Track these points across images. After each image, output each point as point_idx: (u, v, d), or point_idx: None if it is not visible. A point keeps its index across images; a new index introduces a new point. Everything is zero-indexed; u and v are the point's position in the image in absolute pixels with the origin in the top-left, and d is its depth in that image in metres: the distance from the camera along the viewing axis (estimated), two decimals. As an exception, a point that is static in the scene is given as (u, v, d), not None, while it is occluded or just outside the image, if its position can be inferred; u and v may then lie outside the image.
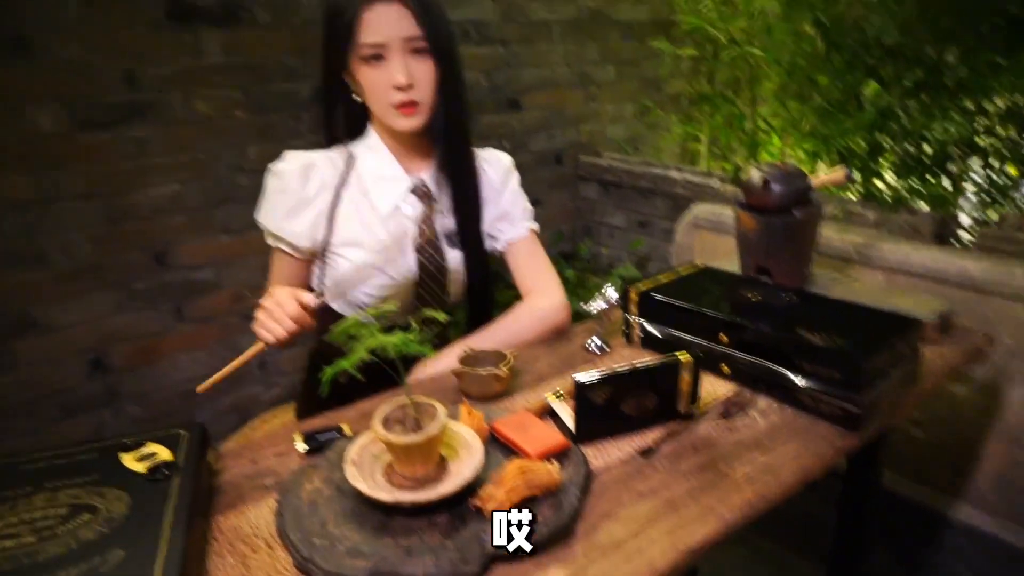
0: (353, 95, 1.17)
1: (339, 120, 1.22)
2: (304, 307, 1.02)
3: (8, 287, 1.61)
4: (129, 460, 0.81)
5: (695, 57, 2.76)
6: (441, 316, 0.78)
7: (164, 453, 0.83)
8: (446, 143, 1.20)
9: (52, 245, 1.64)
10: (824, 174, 1.34)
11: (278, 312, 1.01)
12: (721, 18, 2.23)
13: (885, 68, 1.95)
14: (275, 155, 1.88)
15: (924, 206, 1.97)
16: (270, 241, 1.20)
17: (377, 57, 1.09)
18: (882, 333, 1.01)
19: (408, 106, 1.11)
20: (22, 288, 1.63)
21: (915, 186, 1.97)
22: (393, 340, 0.71)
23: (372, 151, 1.21)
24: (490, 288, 1.36)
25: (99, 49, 1.60)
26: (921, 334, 1.10)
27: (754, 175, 1.31)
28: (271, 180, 1.18)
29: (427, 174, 1.23)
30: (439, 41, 1.11)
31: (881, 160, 2.03)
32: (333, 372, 0.73)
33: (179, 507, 0.72)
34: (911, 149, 1.96)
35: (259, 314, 1.03)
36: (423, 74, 1.11)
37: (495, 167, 1.30)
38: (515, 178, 1.33)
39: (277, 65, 1.88)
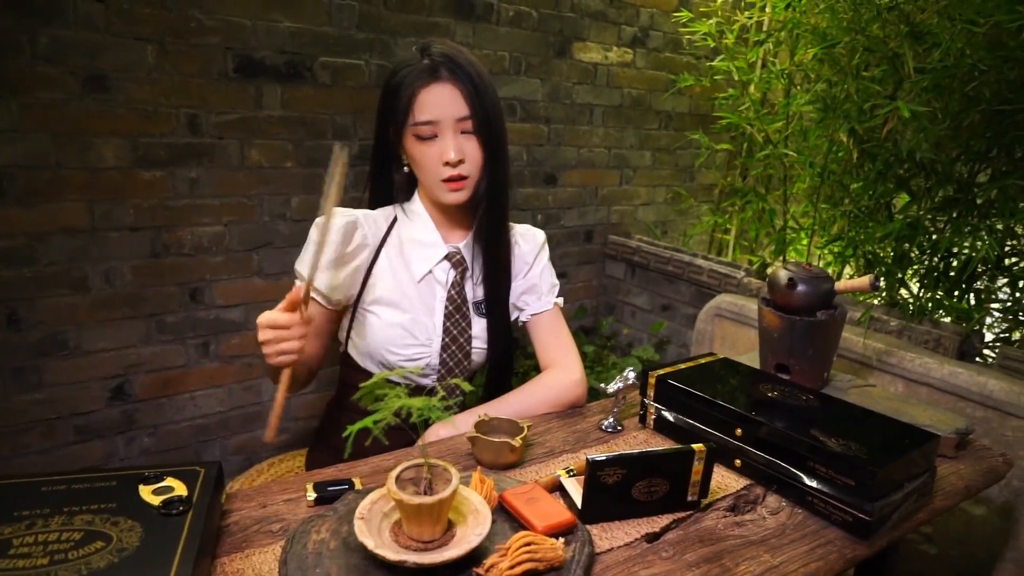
0: (404, 166, 1.23)
1: (384, 185, 1.28)
2: (293, 303, 1.00)
3: (47, 308, 1.66)
4: (146, 492, 0.83)
5: (730, 151, 2.84)
6: (466, 386, 0.80)
7: (180, 488, 0.85)
8: (485, 215, 1.24)
9: (95, 272, 1.70)
10: (850, 279, 1.36)
11: (275, 332, 1.01)
12: (759, 118, 2.30)
13: (916, 181, 1.99)
14: (316, 206, 1.98)
15: (948, 320, 1.97)
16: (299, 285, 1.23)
17: (431, 135, 1.15)
18: (899, 444, 1.01)
19: (456, 180, 1.16)
20: (59, 310, 1.68)
21: (940, 299, 1.98)
22: (417, 404, 0.74)
23: (415, 216, 1.27)
24: (511, 357, 1.39)
25: (168, 93, 1.70)
26: (938, 449, 1.09)
27: (780, 274, 1.33)
28: (315, 232, 1.22)
29: (463, 243, 1.28)
30: (487, 122, 1.17)
31: (908, 270, 2.05)
32: (355, 430, 0.75)
33: (188, 545, 0.74)
34: (938, 263, 1.98)
35: (265, 348, 1.02)
36: (471, 151, 1.17)
37: (529, 242, 1.35)
38: (546, 254, 1.38)
39: (330, 123, 1.97)
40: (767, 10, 2.33)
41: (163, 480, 0.86)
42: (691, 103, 2.93)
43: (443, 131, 1.14)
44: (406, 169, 1.24)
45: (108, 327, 1.75)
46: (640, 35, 2.68)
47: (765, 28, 2.40)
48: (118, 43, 1.61)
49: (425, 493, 0.78)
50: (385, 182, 1.28)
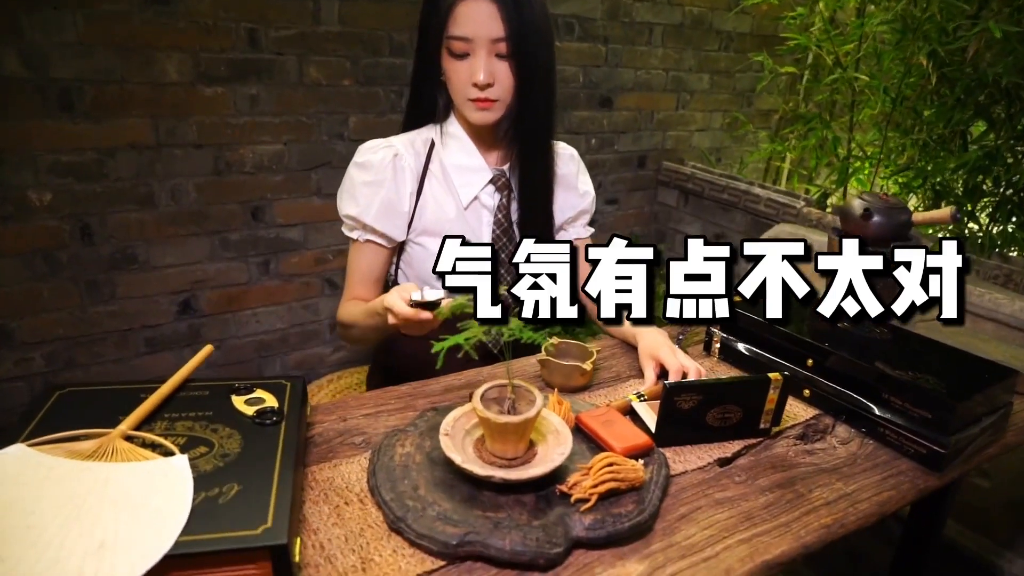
0: (442, 78, 1.17)
1: (423, 100, 1.23)
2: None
3: (118, 223, 1.71)
4: (239, 403, 0.86)
5: (792, 75, 2.72)
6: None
7: (270, 400, 0.88)
8: (527, 138, 1.20)
9: (162, 188, 1.73)
10: (927, 211, 1.31)
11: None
12: (829, 39, 2.19)
13: (997, 108, 1.90)
14: (373, 126, 1.96)
15: (1017, 254, 1.91)
16: (356, 234, 1.19)
17: (463, 53, 1.09)
18: (977, 378, 0.99)
19: (484, 101, 1.12)
20: (130, 226, 1.72)
21: (1012, 232, 1.91)
22: (510, 324, 0.74)
23: (454, 139, 1.22)
24: None
25: (228, 7, 1.68)
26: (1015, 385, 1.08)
27: (855, 204, 1.29)
28: (359, 173, 1.17)
29: (507, 164, 1.25)
30: (524, 45, 1.09)
31: (980, 202, 1.98)
32: (446, 346, 0.76)
33: (286, 453, 0.77)
34: (1012, 195, 1.90)
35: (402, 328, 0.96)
36: (503, 75, 1.11)
37: (568, 163, 1.33)
38: (585, 172, 1.36)
39: (387, 40, 1.92)
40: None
41: (253, 392, 0.89)
42: (753, 23, 2.79)
43: (476, 50, 1.08)
44: (443, 77, 1.17)
45: (175, 243, 1.79)
46: (706, -53, 2.54)
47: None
48: (177, -48, 1.59)
49: (509, 412, 0.79)
50: (424, 97, 1.22)
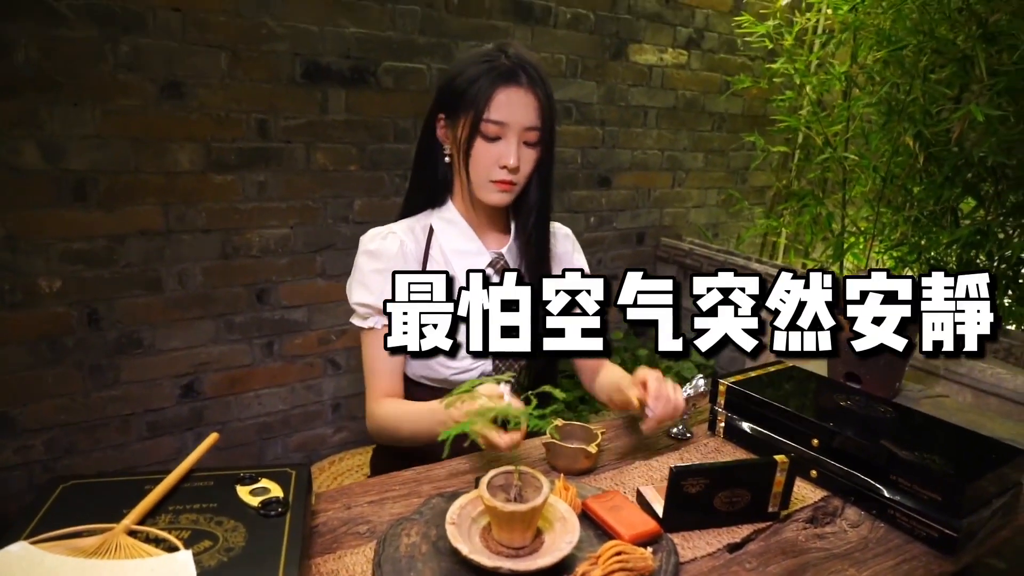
0: (446, 155, 1.21)
1: (427, 181, 1.26)
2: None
3: (124, 308, 1.73)
4: (244, 493, 0.86)
5: (784, 153, 2.80)
6: (559, 394, 0.81)
7: (275, 489, 0.87)
8: (525, 221, 1.25)
9: (169, 273, 1.76)
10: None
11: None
12: (817, 120, 2.27)
13: (985, 185, 1.94)
14: (378, 208, 2.01)
15: (1013, 328, 1.92)
16: (372, 321, 1.20)
17: (495, 136, 1.14)
18: (988, 459, 0.99)
19: (507, 184, 1.16)
20: (136, 310, 1.74)
21: (1009, 306, 1.93)
22: (516, 412, 0.75)
23: (452, 225, 1.25)
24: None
25: (240, 99, 1.75)
26: (1023, 464, 1.07)
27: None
28: (370, 261, 1.20)
29: (505, 248, 1.28)
30: (549, 136, 1.17)
31: (974, 276, 2.00)
32: (452, 434, 0.76)
33: (291, 547, 0.76)
34: (1006, 269, 1.93)
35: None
36: (527, 160, 1.16)
37: (563, 242, 1.37)
38: (580, 251, 1.40)
39: (391, 126, 2.00)
40: (827, 11, 2.29)
41: (258, 481, 0.89)
42: (744, 104, 2.90)
43: (508, 135, 1.14)
44: (447, 159, 1.22)
45: (180, 327, 1.81)
46: (695, 36, 2.66)
47: (822, 29, 2.36)
48: (193, 51, 1.67)
49: (515, 500, 0.79)
50: (428, 178, 1.26)
